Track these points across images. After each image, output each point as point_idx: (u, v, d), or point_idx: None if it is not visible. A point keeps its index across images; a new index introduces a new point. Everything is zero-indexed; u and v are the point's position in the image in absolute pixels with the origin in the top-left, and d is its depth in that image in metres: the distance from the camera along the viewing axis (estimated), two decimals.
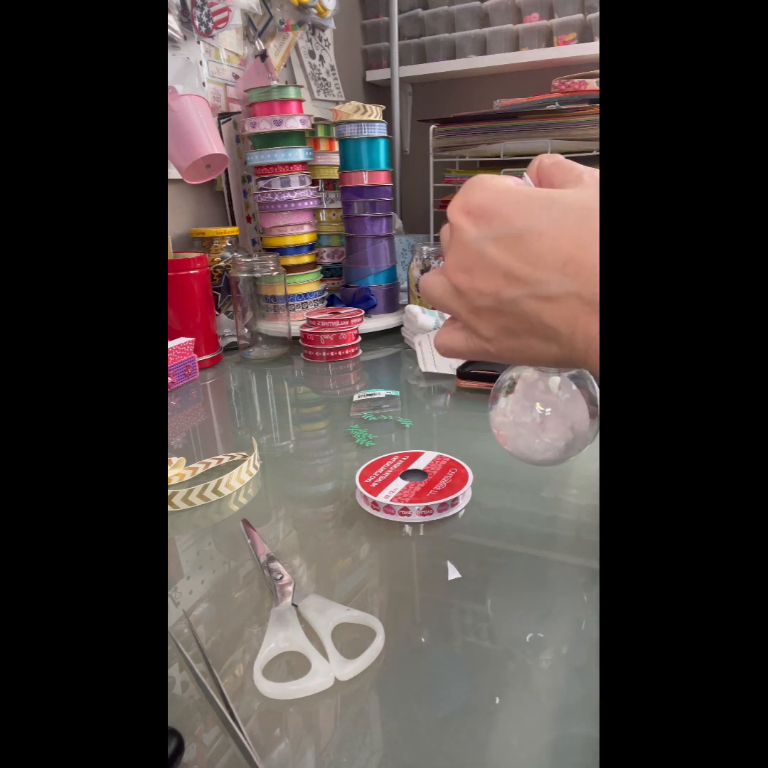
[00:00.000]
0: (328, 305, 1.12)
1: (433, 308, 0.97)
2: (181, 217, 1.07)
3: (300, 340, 0.94)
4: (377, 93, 1.67)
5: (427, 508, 0.46)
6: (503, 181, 0.29)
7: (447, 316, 0.33)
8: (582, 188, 0.27)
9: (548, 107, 1.07)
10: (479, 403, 0.72)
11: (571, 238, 0.25)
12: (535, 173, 0.32)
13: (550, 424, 0.39)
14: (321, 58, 1.42)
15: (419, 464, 0.53)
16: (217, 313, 1.00)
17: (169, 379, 0.81)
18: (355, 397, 0.73)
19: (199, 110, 0.92)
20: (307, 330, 0.93)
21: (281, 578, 0.39)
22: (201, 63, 1.06)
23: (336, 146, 1.08)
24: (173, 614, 0.38)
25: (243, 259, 0.93)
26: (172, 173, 0.98)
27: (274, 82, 1.10)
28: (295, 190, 1.02)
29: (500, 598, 0.38)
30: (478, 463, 0.52)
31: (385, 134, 1.03)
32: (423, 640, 0.35)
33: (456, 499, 0.47)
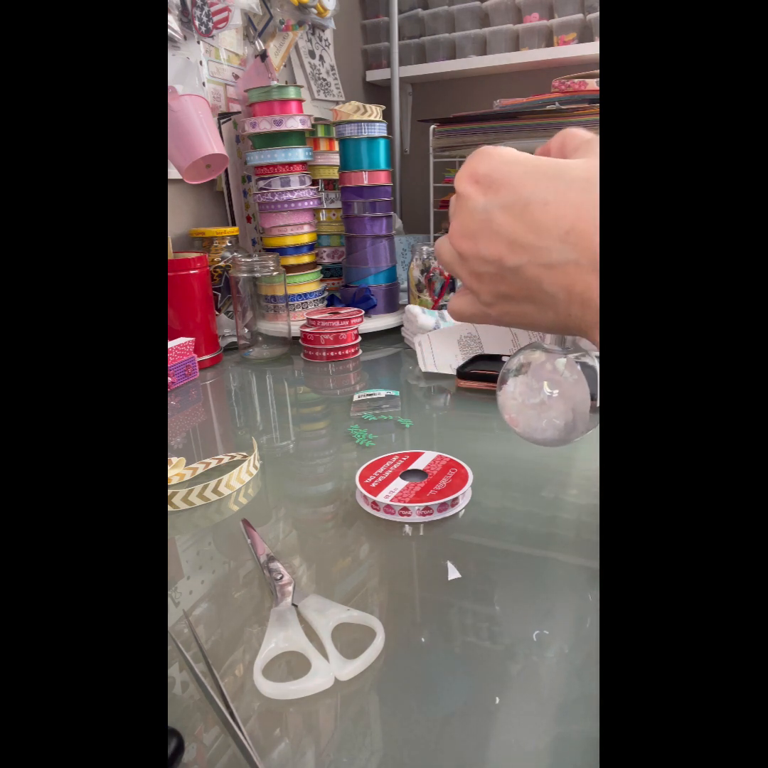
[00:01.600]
0: (328, 305, 1.12)
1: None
2: (181, 217, 1.07)
3: (300, 340, 0.94)
4: (377, 93, 1.67)
5: (427, 508, 0.46)
6: (510, 151, 0.29)
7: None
8: (588, 158, 0.28)
9: (548, 107, 1.07)
10: (479, 403, 0.72)
11: (574, 208, 0.26)
12: (558, 147, 0.33)
13: (554, 403, 0.41)
14: (321, 58, 1.42)
15: (419, 464, 0.53)
16: (217, 313, 1.00)
17: (169, 379, 0.81)
18: (355, 397, 0.73)
19: (199, 110, 0.92)
20: (307, 330, 0.93)
21: (281, 578, 0.39)
22: (201, 63, 1.06)
23: (336, 146, 1.08)
24: (173, 614, 0.38)
25: (243, 259, 0.93)
26: (172, 173, 0.98)
27: (274, 82, 1.10)
28: (295, 190, 1.02)
29: (500, 598, 0.38)
30: (478, 463, 0.52)
31: (385, 134, 1.03)
32: (423, 640, 0.35)
33: (456, 499, 0.47)
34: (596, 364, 0.40)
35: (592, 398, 0.40)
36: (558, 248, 0.26)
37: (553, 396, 0.41)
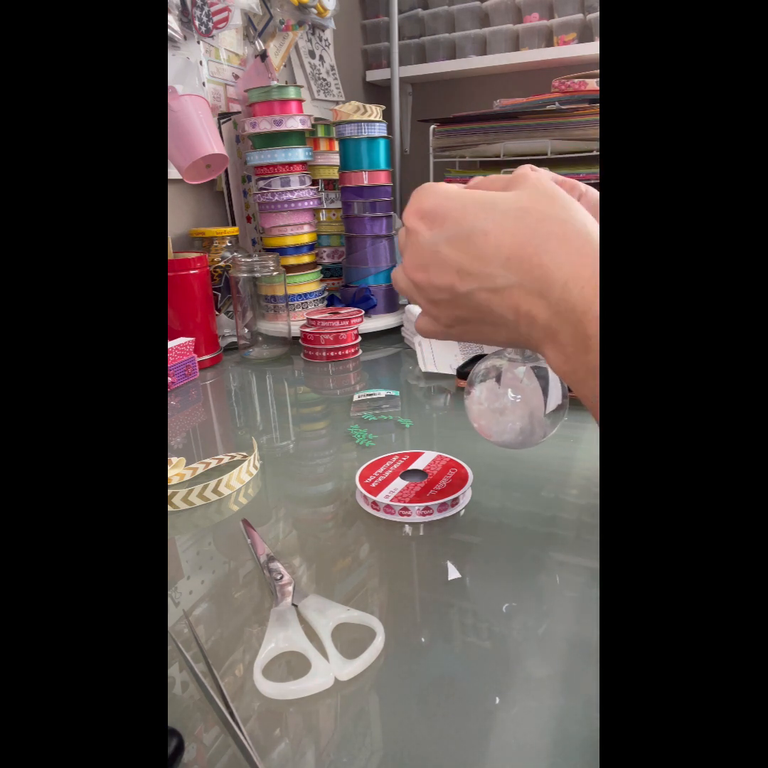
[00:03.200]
0: (328, 305, 1.12)
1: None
2: (181, 217, 1.07)
3: (300, 340, 0.94)
4: (377, 93, 1.67)
5: (427, 508, 0.46)
6: (450, 187, 0.32)
7: None
8: (519, 191, 0.31)
9: (548, 107, 1.07)
10: None
11: (511, 236, 0.29)
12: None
13: (514, 408, 0.45)
14: (321, 58, 1.42)
15: (419, 464, 0.53)
16: (217, 313, 1.00)
17: (169, 379, 0.81)
18: (355, 397, 0.73)
19: (199, 110, 0.92)
20: (307, 330, 0.93)
21: (281, 578, 0.39)
22: (201, 63, 1.06)
23: (336, 146, 1.08)
24: (173, 614, 0.38)
25: (243, 259, 0.93)
26: (172, 173, 0.98)
27: (274, 82, 1.10)
28: (295, 190, 1.02)
29: (500, 598, 0.38)
30: (478, 463, 0.52)
31: (385, 134, 1.03)
32: (423, 640, 0.35)
33: (456, 499, 0.47)
34: (550, 374, 0.44)
35: (546, 405, 0.44)
36: (501, 274, 0.29)
37: (515, 401, 0.44)
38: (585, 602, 0.37)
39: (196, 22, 1.00)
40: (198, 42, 1.04)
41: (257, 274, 0.93)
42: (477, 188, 0.33)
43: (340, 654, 0.33)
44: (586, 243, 0.28)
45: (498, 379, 0.45)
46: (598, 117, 1.02)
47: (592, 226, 0.29)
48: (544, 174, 0.33)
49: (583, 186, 0.42)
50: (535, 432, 0.45)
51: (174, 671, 0.33)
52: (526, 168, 0.33)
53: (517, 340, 0.32)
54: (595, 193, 0.41)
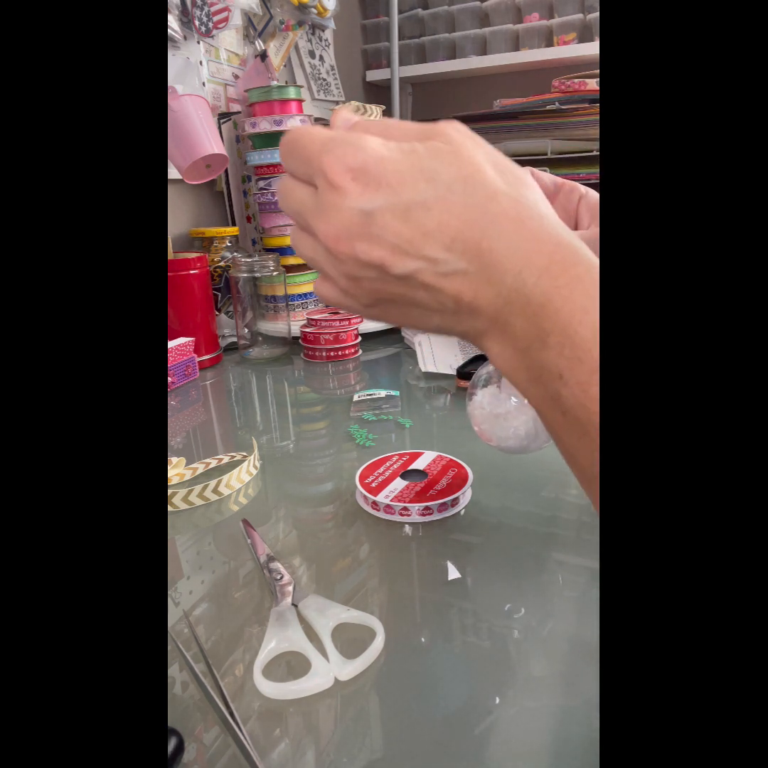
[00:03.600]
0: (327, 305, 1.12)
1: None
2: (181, 217, 1.07)
3: (300, 340, 0.94)
4: (377, 93, 1.66)
5: (427, 508, 0.46)
6: (379, 143, 0.26)
7: None
8: (467, 164, 0.26)
9: (548, 107, 1.07)
10: None
11: (458, 215, 0.25)
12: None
13: (518, 413, 0.44)
14: (321, 58, 1.42)
15: (419, 464, 0.53)
16: (217, 313, 1.00)
17: (169, 379, 0.81)
18: (355, 397, 0.73)
19: (199, 110, 0.92)
20: (307, 330, 0.93)
21: (281, 578, 0.39)
22: (201, 63, 1.06)
23: None
24: (173, 614, 0.38)
25: (243, 259, 0.93)
26: (172, 173, 0.98)
27: (274, 82, 1.10)
28: None
29: (500, 598, 0.38)
30: (478, 463, 0.52)
31: None
32: (423, 640, 0.35)
33: (456, 499, 0.47)
34: None
35: None
36: (444, 257, 0.25)
37: (518, 406, 0.43)
38: (585, 602, 0.37)
39: (196, 22, 1.00)
40: (198, 42, 1.04)
41: (257, 274, 0.93)
42: (380, 133, 0.27)
43: (340, 654, 0.33)
44: (541, 227, 0.25)
45: (500, 383, 0.45)
46: (598, 117, 1.02)
47: (544, 205, 0.26)
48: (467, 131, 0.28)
49: (582, 188, 0.41)
50: (539, 436, 0.45)
51: (174, 671, 0.33)
52: (445, 124, 0.29)
53: (452, 329, 0.28)
54: (594, 195, 0.41)
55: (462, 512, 0.47)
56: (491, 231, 0.25)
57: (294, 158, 0.28)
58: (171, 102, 0.90)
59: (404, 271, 0.26)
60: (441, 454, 0.54)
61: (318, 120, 1.13)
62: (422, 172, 0.25)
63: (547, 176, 0.42)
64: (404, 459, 0.54)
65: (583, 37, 1.35)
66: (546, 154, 1.05)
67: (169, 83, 0.98)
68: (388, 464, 0.53)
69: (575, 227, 0.41)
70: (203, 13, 1.01)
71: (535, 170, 0.41)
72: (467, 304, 0.26)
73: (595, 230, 0.40)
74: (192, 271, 0.88)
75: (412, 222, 0.25)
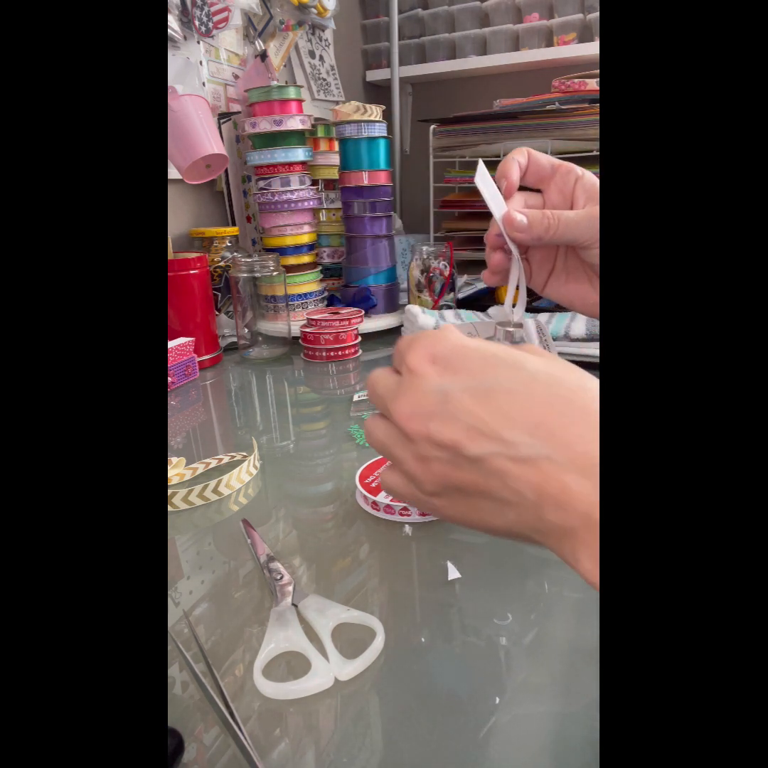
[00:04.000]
0: (328, 305, 1.12)
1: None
2: (181, 217, 1.07)
3: (300, 340, 0.94)
4: (377, 93, 1.66)
5: None
6: (468, 338, 0.27)
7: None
8: (549, 360, 0.26)
9: (548, 107, 1.07)
10: None
11: (542, 402, 0.24)
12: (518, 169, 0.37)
13: None
14: (321, 58, 1.42)
15: None
16: (217, 313, 1.00)
17: (169, 379, 0.81)
18: (355, 397, 0.73)
19: (199, 110, 0.92)
20: (307, 330, 0.93)
21: (281, 578, 0.39)
22: (201, 63, 1.06)
23: (336, 146, 1.08)
24: (173, 614, 0.38)
25: (243, 259, 0.93)
26: (172, 173, 0.98)
27: (274, 82, 1.10)
28: (295, 190, 1.02)
29: (500, 598, 0.38)
30: None
31: (385, 134, 1.03)
32: (423, 640, 0.35)
33: None
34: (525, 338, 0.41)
35: None
36: (527, 442, 0.23)
37: None
38: (585, 603, 0.37)
39: (196, 22, 1.00)
40: (198, 42, 1.04)
41: (257, 274, 0.93)
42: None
43: (340, 654, 0.33)
44: (597, 421, 0.23)
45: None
46: (598, 117, 1.02)
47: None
48: None
49: (579, 169, 0.41)
50: None
51: (174, 671, 0.33)
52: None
53: (533, 526, 0.24)
54: (591, 177, 0.41)
55: None
56: (576, 422, 0.23)
57: (394, 356, 0.28)
58: (171, 102, 0.90)
59: (479, 452, 0.24)
60: None
61: (318, 120, 1.13)
62: (506, 361, 0.25)
63: (544, 157, 0.41)
64: None
65: (583, 37, 1.35)
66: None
67: (169, 83, 0.98)
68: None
69: (571, 207, 0.41)
70: (203, 13, 1.01)
71: (533, 150, 0.41)
72: (553, 497, 0.23)
73: (589, 210, 0.39)
74: (192, 271, 0.88)
75: (492, 404, 0.24)
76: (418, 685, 0.31)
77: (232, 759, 0.28)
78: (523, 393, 0.24)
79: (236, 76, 1.16)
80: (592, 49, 1.32)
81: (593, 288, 0.42)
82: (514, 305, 0.41)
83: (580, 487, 0.22)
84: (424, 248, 1.00)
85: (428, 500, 0.27)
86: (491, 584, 0.39)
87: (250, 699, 0.31)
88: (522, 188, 0.42)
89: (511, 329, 0.40)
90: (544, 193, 0.43)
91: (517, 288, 0.41)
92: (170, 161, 0.94)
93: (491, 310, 0.94)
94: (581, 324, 0.80)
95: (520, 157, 0.41)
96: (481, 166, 0.40)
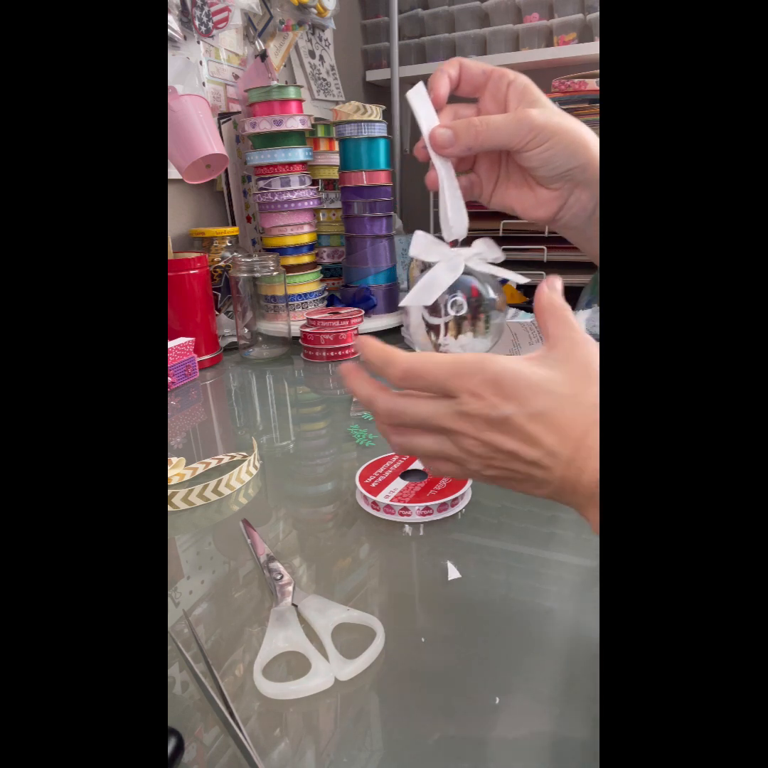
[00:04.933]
0: (328, 305, 1.12)
1: None
2: (181, 217, 1.07)
3: (300, 340, 0.94)
4: (377, 93, 1.66)
5: (427, 508, 0.46)
6: (509, 360, 0.31)
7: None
8: (571, 375, 0.31)
9: None
10: None
11: (569, 423, 0.29)
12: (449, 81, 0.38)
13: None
14: (321, 58, 1.42)
15: (419, 464, 0.53)
16: (217, 313, 1.00)
17: (169, 379, 0.81)
18: (355, 397, 0.73)
19: (199, 110, 0.92)
20: (307, 330, 0.93)
21: (281, 578, 0.39)
22: (201, 63, 1.06)
23: (336, 146, 1.08)
24: (173, 614, 0.38)
25: (243, 259, 0.93)
26: (172, 173, 0.98)
27: (274, 82, 1.10)
28: (295, 190, 1.02)
29: (500, 598, 0.38)
30: None
31: (385, 134, 1.03)
32: (423, 640, 0.35)
33: (456, 499, 0.47)
34: (485, 268, 0.39)
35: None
36: (559, 450, 0.29)
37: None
38: (585, 603, 0.37)
39: (196, 22, 1.00)
40: (198, 42, 1.04)
41: (257, 274, 0.93)
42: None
43: (340, 654, 0.33)
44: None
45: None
46: (598, 117, 1.02)
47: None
48: (591, 349, 0.33)
49: (511, 73, 0.40)
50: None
51: (174, 671, 0.33)
52: (574, 332, 0.34)
53: (556, 498, 0.32)
54: (523, 79, 0.40)
55: (462, 512, 0.47)
56: (591, 433, 0.29)
57: (420, 381, 0.32)
58: (171, 102, 0.90)
59: (532, 457, 0.30)
60: None
61: (318, 120, 1.13)
62: (544, 388, 0.30)
63: (476, 65, 0.40)
64: (404, 459, 0.54)
65: (583, 37, 1.35)
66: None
67: (169, 83, 0.98)
68: (388, 464, 0.53)
69: (504, 111, 0.40)
70: (203, 13, 1.01)
71: (465, 60, 0.40)
72: (571, 485, 0.30)
73: (517, 113, 0.39)
74: (192, 271, 0.88)
75: (547, 419, 0.30)
76: (418, 685, 0.31)
77: (232, 759, 0.28)
78: (559, 414, 0.30)
79: (236, 76, 1.16)
80: (592, 49, 1.31)
81: (532, 192, 0.42)
82: (449, 221, 0.39)
83: (591, 476, 0.29)
84: None
85: (474, 477, 0.34)
86: (491, 584, 0.39)
87: (250, 699, 0.31)
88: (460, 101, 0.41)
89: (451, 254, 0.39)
90: (479, 102, 0.42)
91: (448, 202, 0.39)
92: (170, 161, 0.94)
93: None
94: (580, 324, 0.80)
95: (450, 70, 0.40)
96: (420, 85, 0.39)
